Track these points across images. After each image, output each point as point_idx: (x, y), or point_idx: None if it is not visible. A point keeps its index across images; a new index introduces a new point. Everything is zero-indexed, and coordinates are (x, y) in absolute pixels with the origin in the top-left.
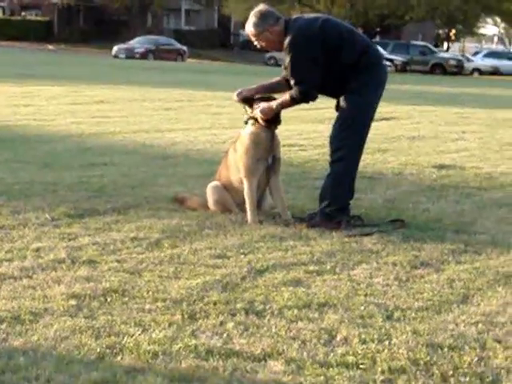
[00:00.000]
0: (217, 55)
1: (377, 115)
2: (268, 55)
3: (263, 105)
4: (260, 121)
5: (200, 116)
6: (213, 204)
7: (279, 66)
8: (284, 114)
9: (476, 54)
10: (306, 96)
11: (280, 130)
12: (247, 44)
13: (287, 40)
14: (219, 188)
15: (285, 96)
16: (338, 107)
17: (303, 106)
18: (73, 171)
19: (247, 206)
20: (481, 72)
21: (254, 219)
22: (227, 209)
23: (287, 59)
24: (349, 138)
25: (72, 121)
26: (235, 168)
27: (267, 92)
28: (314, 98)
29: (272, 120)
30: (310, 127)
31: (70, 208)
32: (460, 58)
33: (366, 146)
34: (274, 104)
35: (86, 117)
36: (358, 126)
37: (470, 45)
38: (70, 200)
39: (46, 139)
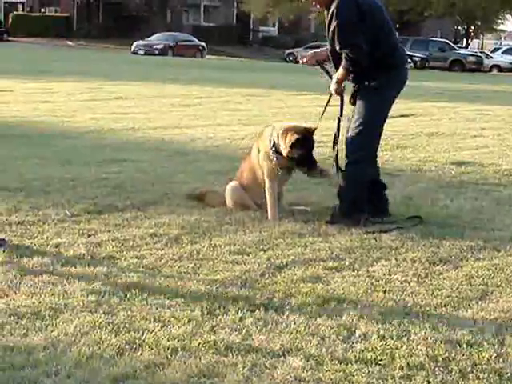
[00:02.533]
0: (236, 51)
1: (395, 112)
2: (287, 52)
3: (332, 83)
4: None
5: (219, 112)
6: (231, 204)
7: (298, 62)
8: (302, 110)
9: (495, 50)
10: (356, 58)
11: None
12: (266, 41)
13: (334, 4)
14: (238, 188)
15: (340, 70)
16: (353, 100)
17: (321, 102)
18: (92, 167)
19: (268, 202)
20: (500, 68)
21: (274, 215)
22: (246, 209)
23: (332, 25)
24: (364, 141)
25: (91, 117)
26: (258, 167)
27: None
28: (364, 60)
29: (304, 162)
30: (330, 124)
31: (89, 204)
32: (479, 54)
33: (385, 142)
34: (338, 73)
35: (105, 113)
36: (373, 129)
37: (489, 41)
38: (89, 196)
39: (65, 135)
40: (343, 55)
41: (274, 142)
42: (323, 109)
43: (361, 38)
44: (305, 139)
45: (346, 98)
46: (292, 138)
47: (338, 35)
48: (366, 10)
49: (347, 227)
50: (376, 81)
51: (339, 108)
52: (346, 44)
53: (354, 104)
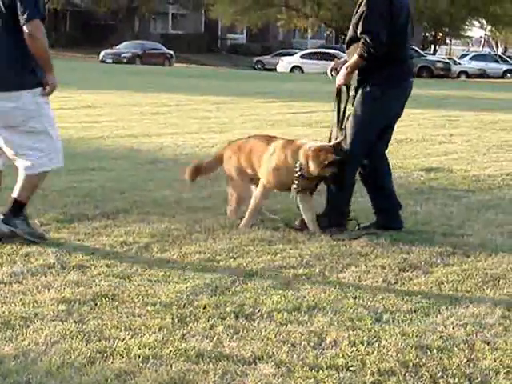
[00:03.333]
0: (204, 59)
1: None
2: (255, 59)
3: (339, 73)
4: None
5: (188, 120)
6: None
7: (266, 69)
8: (271, 117)
9: (463, 56)
10: (373, 46)
11: (270, 134)
12: (234, 48)
13: None
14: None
15: (354, 59)
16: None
17: (290, 109)
18: (61, 176)
19: (250, 208)
20: (468, 75)
21: (247, 224)
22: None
23: (362, 9)
24: (355, 147)
25: (60, 126)
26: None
27: None
28: (380, 50)
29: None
30: (298, 131)
31: (59, 213)
32: (447, 60)
33: None
34: (349, 64)
35: (74, 122)
36: (365, 136)
37: (456, 47)
38: (59, 205)
39: None
40: (361, 41)
41: (301, 165)
42: (337, 116)
43: (384, 31)
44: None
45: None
46: (327, 157)
47: (364, 19)
48: (395, 10)
49: (318, 234)
50: (379, 88)
51: (337, 103)
52: (369, 29)
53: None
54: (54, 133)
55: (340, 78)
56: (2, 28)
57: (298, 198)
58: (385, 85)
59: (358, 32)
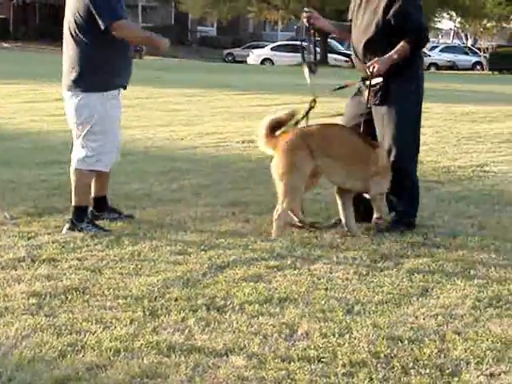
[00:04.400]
0: (174, 52)
1: (333, 111)
2: (226, 52)
3: (380, 60)
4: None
5: (158, 113)
6: None
7: (237, 61)
8: (242, 110)
9: (433, 48)
10: (426, 41)
11: (239, 127)
12: (205, 41)
13: None
14: None
15: (402, 46)
16: (378, 100)
17: (260, 102)
18: (32, 169)
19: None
20: (438, 67)
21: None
22: None
23: (396, 5)
24: (412, 146)
25: (31, 119)
26: None
27: (340, 29)
28: (426, 43)
29: None
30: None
31: (29, 206)
32: None
33: None
34: (394, 56)
35: (45, 114)
36: (417, 131)
37: None
38: (30, 198)
39: (5, 137)
40: (409, 41)
41: None
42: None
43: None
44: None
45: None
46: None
47: (408, 13)
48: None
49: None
50: (414, 82)
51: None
52: (420, 22)
53: (379, 104)
54: None
55: (379, 68)
56: None
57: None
58: (416, 78)
59: (410, 28)
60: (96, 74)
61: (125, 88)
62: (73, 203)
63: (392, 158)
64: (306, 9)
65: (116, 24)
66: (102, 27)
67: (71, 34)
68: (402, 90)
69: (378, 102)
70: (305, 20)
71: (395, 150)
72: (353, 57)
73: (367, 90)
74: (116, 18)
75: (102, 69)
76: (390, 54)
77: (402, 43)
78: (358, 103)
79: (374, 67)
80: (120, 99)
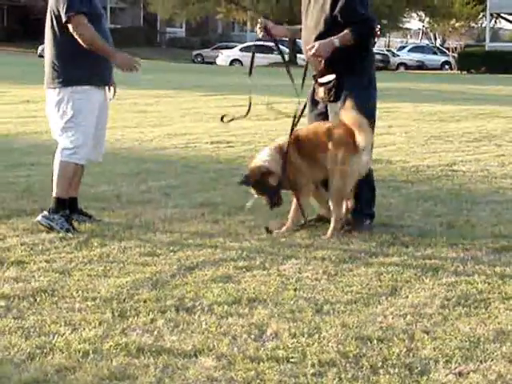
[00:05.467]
0: (143, 53)
1: (290, 111)
2: (195, 53)
3: (320, 42)
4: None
5: (127, 114)
6: None
7: (206, 63)
8: (211, 111)
9: (401, 48)
10: (372, 33)
11: (208, 128)
12: (173, 42)
13: None
14: None
15: (344, 33)
16: (333, 96)
17: (229, 103)
18: (0, 171)
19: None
20: (406, 66)
21: None
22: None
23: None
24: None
25: None
26: None
27: (293, 32)
28: (371, 37)
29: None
30: (237, 124)
31: None
32: (386, 52)
33: None
34: (333, 39)
35: (13, 117)
36: (373, 124)
37: (395, 39)
38: None
39: None
40: (353, 30)
41: None
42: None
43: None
44: None
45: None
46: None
47: (354, 7)
48: None
49: (258, 227)
50: (366, 77)
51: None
52: (367, 15)
53: (333, 100)
54: None
55: (321, 50)
56: None
57: None
58: (368, 73)
59: (355, 19)
60: (70, 68)
61: (108, 85)
62: (53, 194)
63: None
64: (259, 20)
65: (74, 18)
66: (63, 21)
67: (50, 30)
68: (355, 86)
69: (332, 98)
70: (259, 31)
71: None
72: (304, 52)
73: (320, 87)
74: (74, 10)
75: (79, 64)
76: (330, 38)
77: (345, 31)
78: (316, 116)
79: (313, 48)
80: (104, 97)
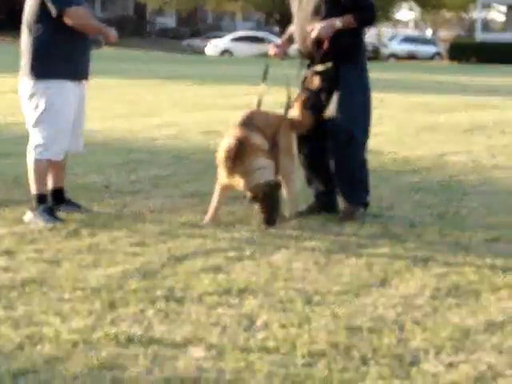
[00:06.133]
0: (133, 43)
1: (282, 101)
2: (185, 43)
3: (321, 24)
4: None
5: (116, 104)
6: None
7: (196, 52)
8: (201, 101)
9: (392, 39)
10: (374, 21)
11: (198, 118)
12: (163, 32)
13: None
14: None
15: (347, 17)
16: (327, 84)
17: (220, 92)
18: None
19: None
20: (397, 57)
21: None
22: None
23: None
24: (367, 122)
25: None
26: None
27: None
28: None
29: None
30: (228, 114)
31: None
32: (376, 43)
33: None
34: (335, 20)
35: (2, 107)
36: (370, 111)
37: (385, 30)
38: None
39: None
40: (356, 14)
41: None
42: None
43: None
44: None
45: None
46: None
47: None
48: None
49: (248, 218)
50: (360, 65)
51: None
52: (371, 2)
53: (329, 89)
54: None
55: (323, 31)
56: None
57: None
58: (362, 62)
59: (357, 4)
60: (47, 62)
61: (84, 79)
62: (32, 191)
63: (344, 144)
64: (272, 44)
65: (68, 10)
66: (54, 14)
67: (26, 22)
68: (350, 74)
69: (327, 87)
70: (273, 54)
71: (346, 136)
72: (299, 46)
73: (317, 76)
74: (67, 4)
75: (53, 57)
76: (331, 19)
77: (348, 15)
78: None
79: (313, 30)
80: (81, 90)
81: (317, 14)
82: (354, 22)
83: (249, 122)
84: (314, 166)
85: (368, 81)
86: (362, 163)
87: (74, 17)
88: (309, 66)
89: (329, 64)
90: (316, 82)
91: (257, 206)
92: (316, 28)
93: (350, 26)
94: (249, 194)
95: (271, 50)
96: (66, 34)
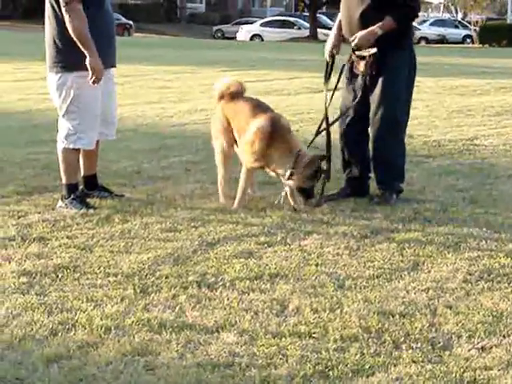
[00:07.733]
0: (163, 29)
1: (315, 87)
2: (215, 28)
3: (361, 33)
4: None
5: (147, 90)
6: None
7: (226, 38)
8: None
9: (423, 22)
10: (415, 18)
11: None
12: (193, 17)
13: None
14: None
15: (387, 21)
16: (372, 70)
17: (250, 78)
18: (21, 148)
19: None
20: (428, 40)
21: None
22: None
23: None
24: (403, 112)
25: (19, 98)
26: None
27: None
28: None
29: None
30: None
31: (18, 185)
32: None
33: (309, 116)
34: (375, 29)
35: (33, 93)
36: (409, 100)
37: None
38: (19, 177)
39: None
40: (395, 15)
41: None
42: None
43: None
44: None
45: None
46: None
47: None
48: None
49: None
50: (408, 52)
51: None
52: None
53: (375, 74)
54: None
55: (364, 40)
56: None
57: None
58: (410, 45)
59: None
60: (73, 52)
61: (111, 67)
62: (62, 181)
63: (386, 131)
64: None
65: (70, 3)
66: (62, 4)
67: (51, 12)
68: (397, 60)
69: (374, 72)
70: (329, 55)
71: (390, 122)
72: (344, 32)
73: (362, 61)
74: None
75: (78, 48)
76: (372, 28)
77: (387, 18)
78: (354, 89)
79: (354, 40)
80: (110, 78)
81: (362, 2)
82: (395, 24)
83: (266, 106)
84: (354, 151)
85: (414, 66)
86: (402, 151)
87: (71, 13)
88: (353, 51)
89: (372, 50)
90: (361, 67)
91: (295, 190)
92: (357, 37)
93: (391, 28)
94: (287, 180)
95: (327, 54)
96: (89, 23)
